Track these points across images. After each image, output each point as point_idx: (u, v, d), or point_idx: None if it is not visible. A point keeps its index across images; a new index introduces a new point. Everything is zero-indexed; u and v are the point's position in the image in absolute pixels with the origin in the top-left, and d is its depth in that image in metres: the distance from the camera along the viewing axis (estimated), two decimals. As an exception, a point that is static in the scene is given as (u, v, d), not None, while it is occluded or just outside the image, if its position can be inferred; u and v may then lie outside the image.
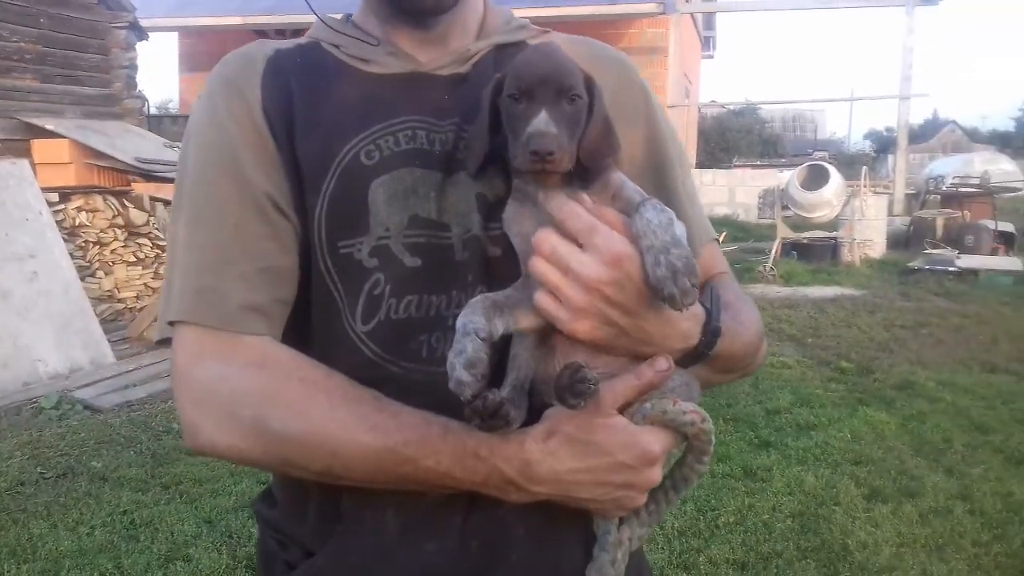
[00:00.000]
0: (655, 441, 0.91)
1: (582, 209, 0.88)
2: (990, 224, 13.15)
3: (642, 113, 1.10)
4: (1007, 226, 13.52)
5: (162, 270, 8.45)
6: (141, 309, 7.67)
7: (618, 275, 0.85)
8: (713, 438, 0.97)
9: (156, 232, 8.30)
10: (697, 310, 0.93)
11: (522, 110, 0.88)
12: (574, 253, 0.86)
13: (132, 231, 8.29)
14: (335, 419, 0.90)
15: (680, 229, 0.88)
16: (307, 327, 1.01)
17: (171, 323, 0.98)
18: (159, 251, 8.49)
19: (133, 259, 8.22)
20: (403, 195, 0.98)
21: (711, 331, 0.94)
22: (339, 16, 1.14)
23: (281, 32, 15.25)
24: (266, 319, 0.97)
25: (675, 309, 0.85)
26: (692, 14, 18.89)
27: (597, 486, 0.90)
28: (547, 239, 0.87)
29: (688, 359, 0.95)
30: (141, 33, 11.60)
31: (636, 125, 1.08)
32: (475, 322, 0.84)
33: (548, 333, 0.93)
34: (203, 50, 17.02)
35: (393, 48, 1.06)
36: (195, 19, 15.62)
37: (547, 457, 0.88)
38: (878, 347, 7.64)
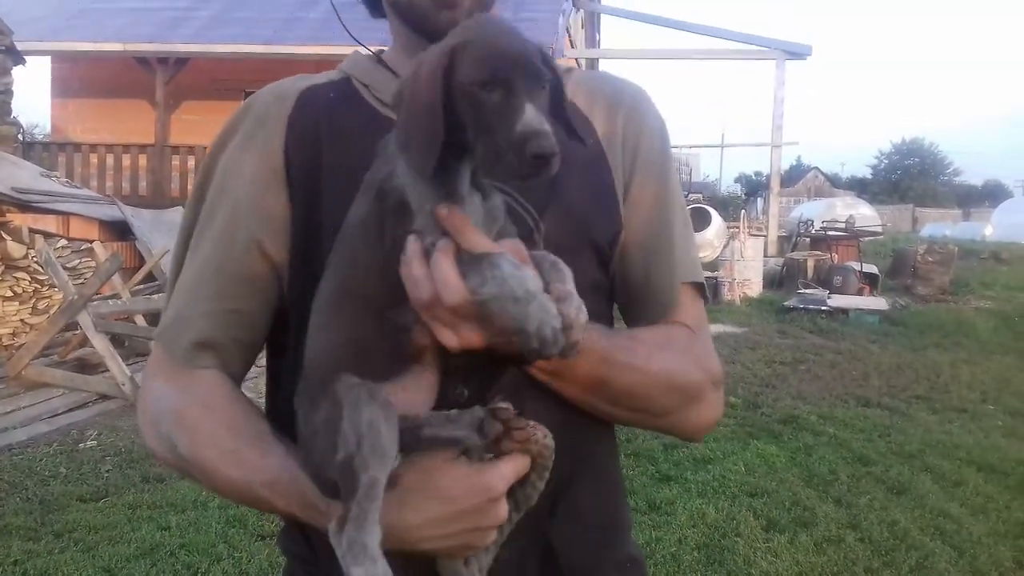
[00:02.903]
0: (498, 478, 0.87)
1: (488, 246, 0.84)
2: (856, 265, 14.01)
3: (659, 161, 1.13)
4: (871, 268, 14.45)
5: (40, 305, 8.06)
6: (19, 347, 7.27)
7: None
8: (553, 454, 0.92)
9: (35, 266, 7.90)
10: None
11: (498, 101, 0.78)
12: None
13: (9, 264, 7.87)
14: (212, 446, 0.97)
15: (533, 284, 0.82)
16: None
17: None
18: (38, 286, 8.10)
19: (10, 294, 7.80)
20: None
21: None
22: (375, 50, 1.17)
23: (163, 60, 14.89)
24: (216, 354, 1.03)
25: (566, 354, 0.84)
26: (577, 59, 19.46)
27: (443, 538, 0.87)
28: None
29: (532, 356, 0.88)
30: (17, 57, 11.12)
31: (653, 173, 1.12)
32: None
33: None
34: (78, 75, 16.38)
35: None
36: (73, 44, 15.00)
37: (384, 513, 0.83)
38: (762, 383, 8.00)
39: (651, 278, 1.10)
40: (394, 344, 0.88)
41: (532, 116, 0.77)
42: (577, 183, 1.07)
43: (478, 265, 0.81)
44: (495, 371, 0.96)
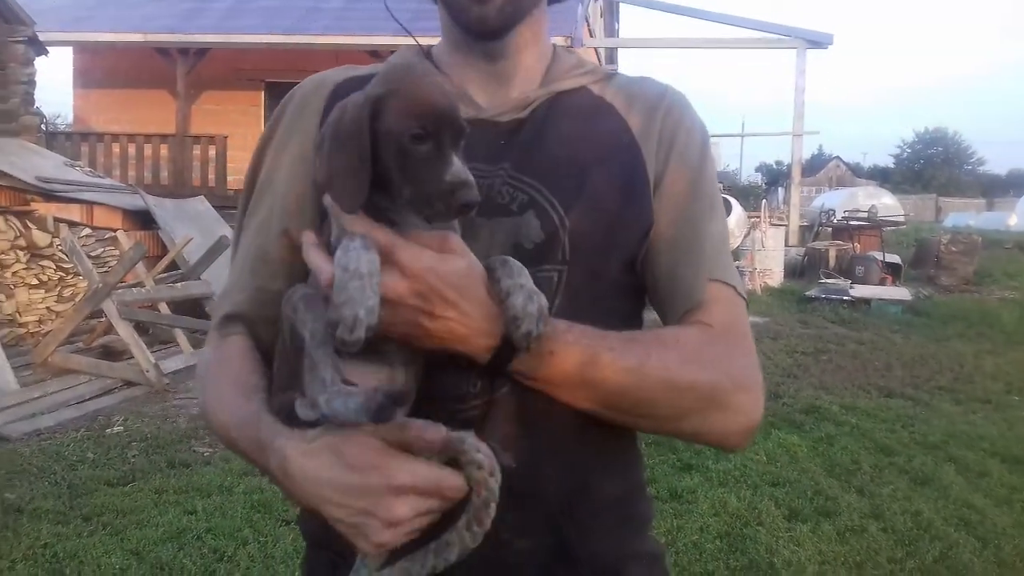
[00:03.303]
0: (404, 471, 0.84)
1: (383, 231, 0.88)
2: (878, 255, 13.92)
3: (696, 156, 1.11)
4: (894, 257, 14.35)
5: (65, 293, 8.16)
6: (45, 334, 7.35)
7: (420, 287, 0.87)
8: (493, 504, 0.86)
9: (60, 254, 7.99)
10: (499, 314, 0.92)
11: (427, 153, 0.85)
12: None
13: (35, 253, 7.96)
14: (217, 395, 1.05)
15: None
16: None
17: None
18: (63, 274, 8.19)
19: (36, 282, 7.89)
20: None
21: (508, 335, 0.91)
22: (428, 46, 1.18)
23: (184, 51, 14.96)
24: (244, 324, 1.11)
25: (519, 346, 0.90)
26: (596, 48, 19.40)
27: (338, 506, 0.86)
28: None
29: (503, 356, 0.94)
30: (40, 48, 11.20)
31: (688, 166, 1.10)
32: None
33: None
34: (99, 65, 16.49)
35: (460, 91, 1.09)
36: (94, 34, 15.09)
37: (302, 457, 0.87)
38: (783, 373, 7.97)
39: (676, 274, 1.06)
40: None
41: (459, 168, 0.84)
42: (608, 179, 1.06)
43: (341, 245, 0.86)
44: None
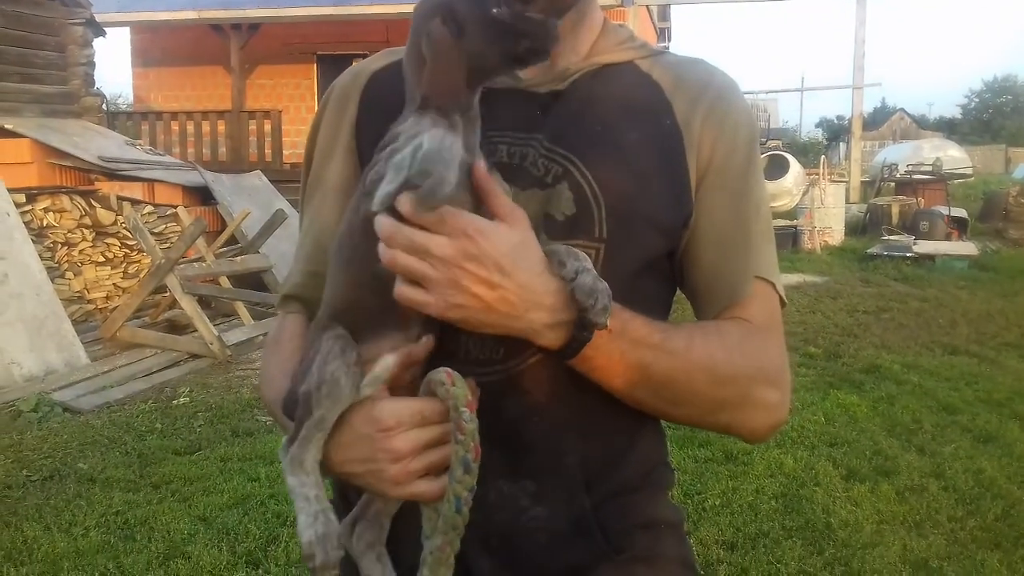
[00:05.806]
0: (388, 411, 0.92)
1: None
2: (943, 210, 13.53)
3: (744, 150, 1.09)
4: (960, 212, 13.93)
5: (131, 270, 8.40)
6: (113, 310, 7.59)
7: (474, 249, 0.87)
8: (464, 409, 0.90)
9: (124, 232, 8.21)
10: (559, 288, 0.92)
11: None
12: (430, 238, 0.87)
13: (100, 231, 8.21)
14: (265, 373, 1.14)
15: None
16: None
17: None
18: (127, 251, 8.42)
19: (102, 259, 8.14)
20: None
21: (580, 313, 0.91)
22: None
23: (237, 27, 15.11)
24: (301, 304, 1.16)
25: (598, 320, 0.90)
26: (648, 6, 19.06)
27: (350, 463, 0.93)
28: (400, 231, 0.88)
29: (572, 342, 0.94)
30: (98, 29, 11.41)
31: (737, 160, 1.08)
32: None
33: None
34: (157, 44, 16.77)
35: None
36: (149, 14, 15.35)
37: None
38: (843, 332, 7.84)
39: (722, 269, 1.07)
40: (381, 299, 0.94)
41: None
42: (646, 159, 1.04)
43: None
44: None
